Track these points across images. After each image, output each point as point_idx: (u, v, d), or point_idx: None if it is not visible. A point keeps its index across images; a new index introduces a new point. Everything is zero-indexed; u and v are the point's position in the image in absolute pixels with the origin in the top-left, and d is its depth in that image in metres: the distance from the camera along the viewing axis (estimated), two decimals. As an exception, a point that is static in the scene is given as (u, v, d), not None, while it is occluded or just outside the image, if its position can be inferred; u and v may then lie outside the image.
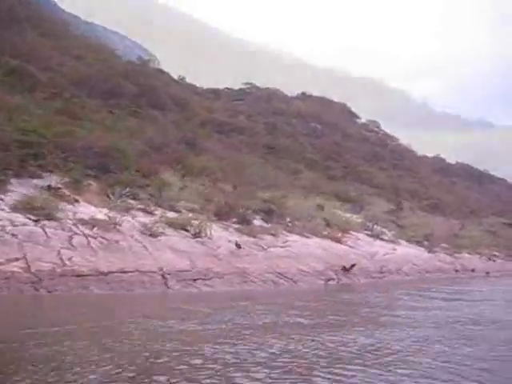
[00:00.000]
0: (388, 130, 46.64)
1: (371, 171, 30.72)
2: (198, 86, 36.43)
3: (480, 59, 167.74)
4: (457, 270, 20.35)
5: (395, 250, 20.10)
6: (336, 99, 50.22)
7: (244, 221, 19.82)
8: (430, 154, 45.06)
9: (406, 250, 20.70)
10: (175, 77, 33.99)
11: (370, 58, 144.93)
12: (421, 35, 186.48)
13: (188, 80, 37.98)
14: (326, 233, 19.22)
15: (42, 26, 29.05)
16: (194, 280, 13.22)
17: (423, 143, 51.86)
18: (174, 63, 44.22)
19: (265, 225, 19.19)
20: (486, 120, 64.25)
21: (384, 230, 22.06)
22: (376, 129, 42.44)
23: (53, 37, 28.68)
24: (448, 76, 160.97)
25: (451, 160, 49.07)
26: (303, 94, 41.76)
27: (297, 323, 8.38)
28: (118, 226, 14.04)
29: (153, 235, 14.76)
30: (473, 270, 20.67)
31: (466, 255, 22.36)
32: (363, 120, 45.16)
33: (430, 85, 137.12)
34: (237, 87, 40.98)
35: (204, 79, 39.28)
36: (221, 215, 19.73)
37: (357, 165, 30.72)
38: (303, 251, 16.94)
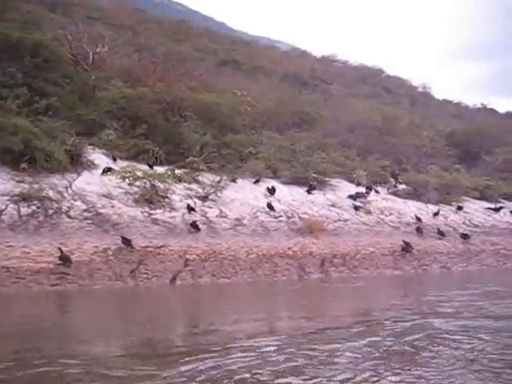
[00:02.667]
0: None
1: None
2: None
3: (483, 46, 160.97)
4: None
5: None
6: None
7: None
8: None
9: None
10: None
11: (371, 46, 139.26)
12: (423, 24, 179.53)
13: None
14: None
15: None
16: None
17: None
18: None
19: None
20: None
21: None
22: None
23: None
24: (450, 63, 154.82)
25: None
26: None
27: None
28: None
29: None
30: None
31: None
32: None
33: (431, 73, 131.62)
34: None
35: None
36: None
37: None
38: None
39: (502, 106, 72.17)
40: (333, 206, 20.12)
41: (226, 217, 16.52)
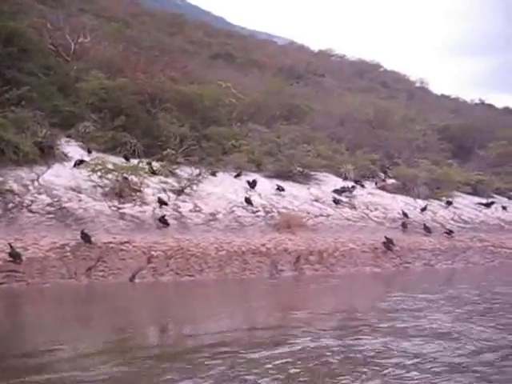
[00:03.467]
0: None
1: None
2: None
3: (482, 42, 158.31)
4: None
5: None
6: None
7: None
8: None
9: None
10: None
11: (369, 41, 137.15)
12: (422, 19, 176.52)
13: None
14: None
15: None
16: None
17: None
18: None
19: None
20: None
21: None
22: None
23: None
24: (449, 59, 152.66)
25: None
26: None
27: None
28: None
29: None
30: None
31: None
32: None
33: (430, 68, 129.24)
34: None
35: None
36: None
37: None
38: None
39: (502, 101, 70.87)
40: (316, 200, 19.19)
41: (199, 211, 15.60)
